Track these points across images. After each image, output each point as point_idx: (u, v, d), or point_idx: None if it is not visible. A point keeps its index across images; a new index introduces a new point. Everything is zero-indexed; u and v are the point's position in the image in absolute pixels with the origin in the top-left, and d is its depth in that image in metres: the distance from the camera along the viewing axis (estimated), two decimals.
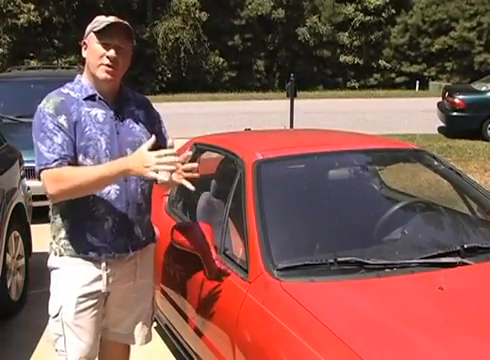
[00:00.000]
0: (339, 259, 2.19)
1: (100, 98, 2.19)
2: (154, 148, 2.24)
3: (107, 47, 2.11)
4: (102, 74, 2.13)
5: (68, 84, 2.24)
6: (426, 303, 2.01)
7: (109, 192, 2.15)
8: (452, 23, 27.68)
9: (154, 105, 2.44)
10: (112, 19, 2.14)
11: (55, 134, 2.07)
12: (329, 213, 2.75)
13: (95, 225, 2.17)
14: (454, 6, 27.59)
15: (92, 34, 2.14)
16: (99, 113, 2.17)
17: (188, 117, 14.20)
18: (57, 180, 2.03)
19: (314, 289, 2.10)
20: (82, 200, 2.12)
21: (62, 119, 2.09)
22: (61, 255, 2.21)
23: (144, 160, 1.96)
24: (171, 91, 23.55)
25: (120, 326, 2.38)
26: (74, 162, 2.09)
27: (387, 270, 2.19)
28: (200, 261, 2.48)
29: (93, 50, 2.13)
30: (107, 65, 2.11)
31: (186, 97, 21.08)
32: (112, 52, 2.11)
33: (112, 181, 2.08)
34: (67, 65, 16.90)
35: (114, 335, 2.41)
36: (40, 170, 2.06)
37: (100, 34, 2.11)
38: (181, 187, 3.43)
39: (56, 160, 2.04)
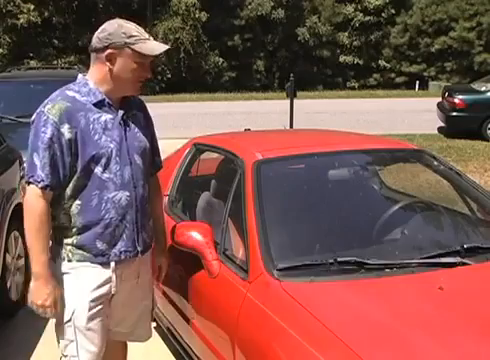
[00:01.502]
0: (339, 259, 2.19)
1: (109, 103, 2.17)
2: (149, 151, 2.30)
3: (143, 65, 2.13)
4: (136, 90, 2.19)
5: (72, 86, 2.18)
6: (426, 303, 2.01)
7: (120, 199, 2.15)
8: (452, 23, 27.66)
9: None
10: (156, 44, 2.15)
11: (49, 147, 2.04)
12: (329, 213, 2.75)
13: (106, 232, 2.16)
14: (454, 6, 27.57)
15: (128, 50, 2.09)
16: (108, 119, 2.15)
17: (188, 117, 14.19)
18: (28, 208, 2.09)
19: (314, 289, 2.10)
20: (93, 208, 2.13)
21: (65, 128, 2.06)
22: (69, 260, 2.18)
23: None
24: (171, 91, 23.51)
25: (122, 325, 2.38)
26: (66, 177, 2.10)
27: (387, 270, 2.19)
28: (200, 261, 2.48)
29: (129, 67, 2.11)
30: (141, 82, 2.17)
31: (186, 97, 21.04)
32: (148, 72, 2.16)
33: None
34: (67, 65, 16.88)
35: (116, 334, 2.40)
36: (29, 182, 2.08)
37: (141, 54, 2.10)
38: (181, 187, 3.44)
39: (46, 186, 2.06)
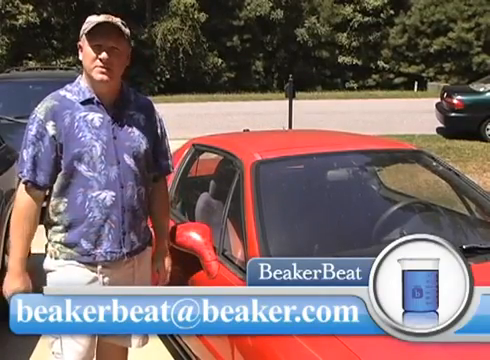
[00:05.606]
0: None
1: (98, 101, 2.15)
2: (151, 153, 2.27)
3: (99, 49, 2.07)
4: (98, 75, 2.10)
5: (67, 86, 2.21)
6: None
7: (105, 198, 2.14)
8: (450, 24, 27.66)
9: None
10: (101, 18, 2.09)
11: (33, 143, 2.09)
12: (328, 214, 2.76)
13: (90, 231, 2.15)
14: (452, 7, 27.58)
15: (84, 36, 2.10)
16: (96, 117, 2.14)
17: (187, 118, 14.20)
18: (15, 202, 2.18)
19: None
20: (78, 206, 2.13)
21: (49, 125, 2.09)
22: (56, 258, 2.20)
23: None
24: (170, 92, 23.50)
25: None
26: (51, 174, 2.12)
27: None
28: (199, 262, 2.48)
29: (86, 53, 2.10)
30: (101, 67, 2.08)
31: (185, 98, 21.04)
32: (104, 54, 2.07)
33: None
34: (66, 66, 16.89)
35: (111, 337, 2.39)
36: (19, 178, 2.15)
37: (91, 36, 2.07)
38: (180, 188, 3.44)
39: (26, 181, 2.11)
